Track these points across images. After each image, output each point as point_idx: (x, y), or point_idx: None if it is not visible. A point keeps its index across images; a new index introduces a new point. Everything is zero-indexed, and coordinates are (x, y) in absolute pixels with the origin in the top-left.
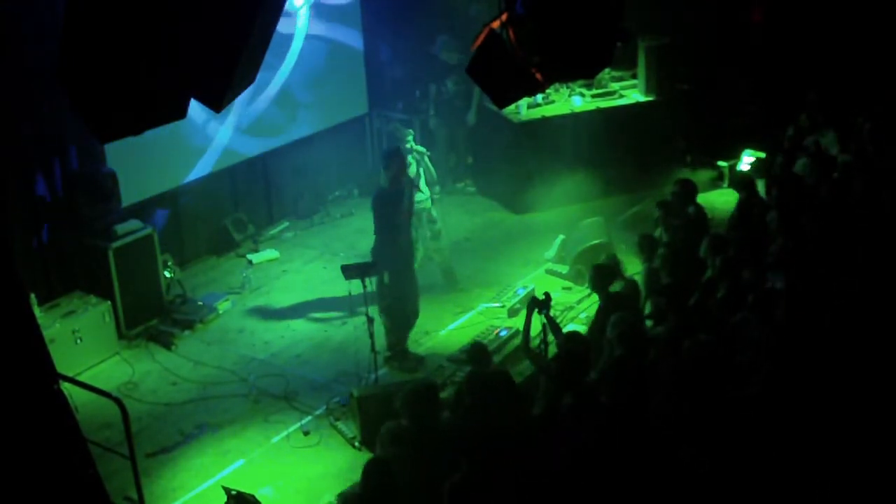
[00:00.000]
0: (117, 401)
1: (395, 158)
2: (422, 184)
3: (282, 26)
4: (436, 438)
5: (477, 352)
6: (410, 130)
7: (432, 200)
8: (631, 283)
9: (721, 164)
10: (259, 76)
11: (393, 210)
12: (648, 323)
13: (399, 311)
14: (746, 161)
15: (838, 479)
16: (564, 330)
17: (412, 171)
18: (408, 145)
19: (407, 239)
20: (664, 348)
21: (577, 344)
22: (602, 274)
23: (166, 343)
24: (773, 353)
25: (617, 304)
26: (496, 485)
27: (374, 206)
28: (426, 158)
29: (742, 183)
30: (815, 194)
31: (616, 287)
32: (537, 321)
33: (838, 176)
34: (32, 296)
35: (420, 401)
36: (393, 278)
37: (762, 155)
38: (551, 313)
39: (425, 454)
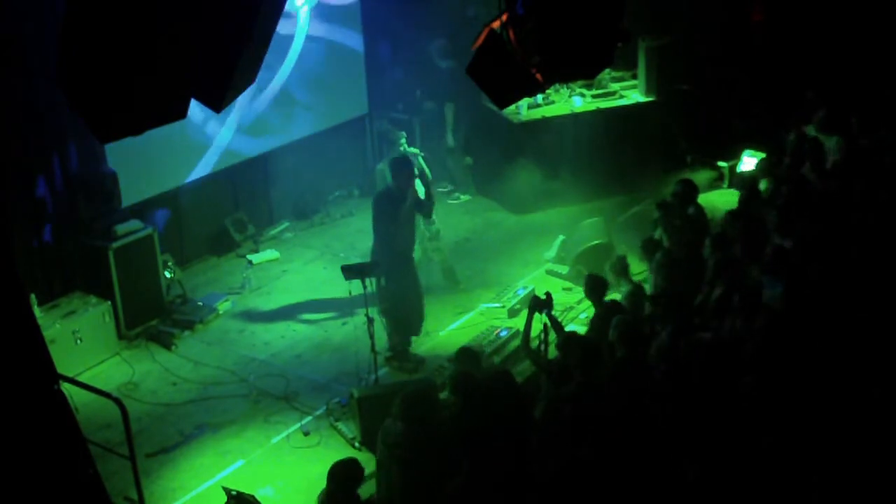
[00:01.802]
0: (117, 401)
1: (404, 167)
2: (417, 184)
3: (282, 27)
4: (432, 440)
5: (465, 357)
6: (403, 133)
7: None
8: (636, 287)
9: (721, 164)
10: (259, 76)
11: (393, 210)
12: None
13: (398, 313)
14: (747, 161)
15: (837, 479)
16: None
17: None
18: (401, 147)
19: (406, 242)
20: (665, 349)
21: (575, 346)
22: (595, 284)
23: (166, 343)
24: (769, 353)
25: (613, 312)
26: (496, 487)
27: (374, 203)
28: (420, 159)
29: (744, 182)
30: (815, 195)
31: (623, 289)
32: (538, 321)
33: (838, 177)
34: (32, 296)
35: (415, 404)
36: (390, 281)
37: (762, 155)
38: (552, 313)
39: (421, 456)
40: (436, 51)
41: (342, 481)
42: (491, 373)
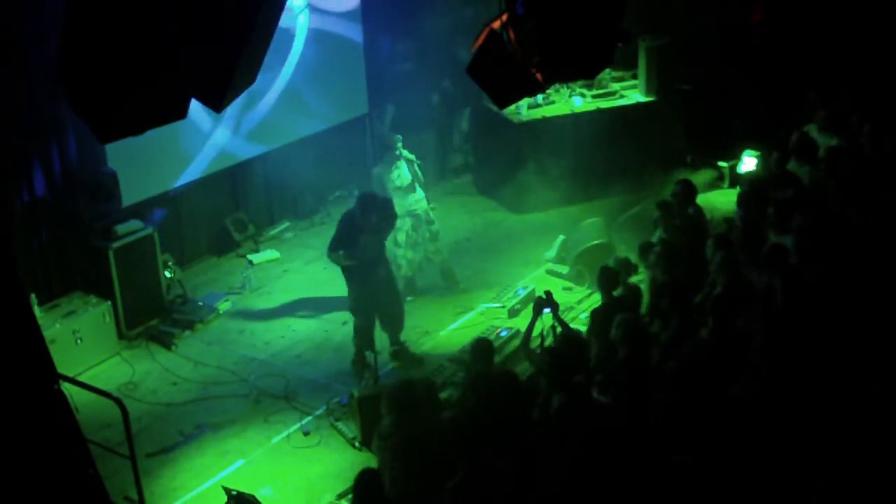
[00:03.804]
0: (117, 401)
1: (368, 207)
2: (416, 186)
3: (282, 26)
4: (429, 439)
5: (480, 349)
6: (399, 136)
7: (428, 201)
8: (633, 288)
9: (721, 164)
10: (260, 76)
11: (351, 238)
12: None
13: (358, 319)
14: (747, 161)
15: (836, 480)
16: None
17: (403, 176)
18: (396, 152)
19: (372, 252)
20: (667, 349)
21: (569, 346)
22: (607, 277)
23: (166, 343)
24: (770, 353)
25: (619, 307)
26: (494, 488)
27: (338, 223)
28: (416, 166)
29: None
30: (814, 194)
31: (618, 292)
32: (539, 322)
33: (837, 176)
34: (32, 296)
35: (397, 396)
36: (351, 287)
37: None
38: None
39: (415, 454)
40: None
41: (368, 487)
42: (497, 371)
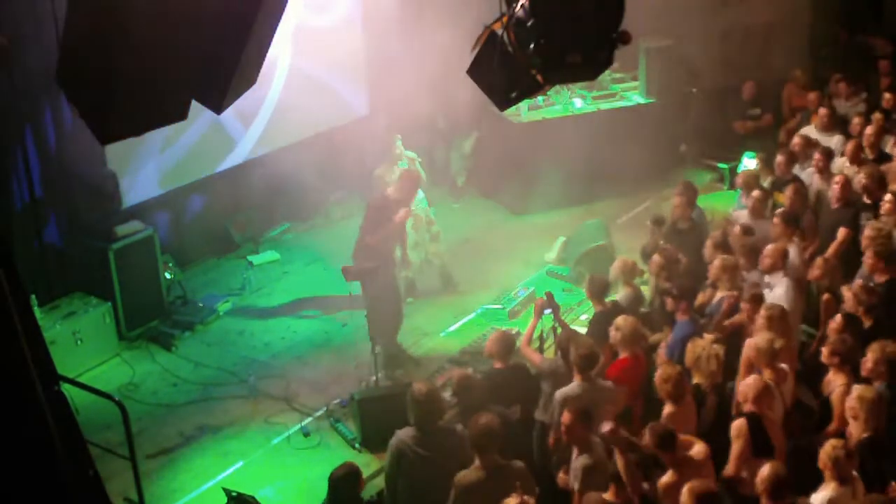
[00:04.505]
0: (118, 402)
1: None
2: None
3: (283, 27)
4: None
5: (503, 340)
6: (398, 135)
7: (429, 202)
8: (634, 291)
9: (721, 165)
10: (261, 77)
11: (385, 219)
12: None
13: (377, 315)
14: (747, 163)
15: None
16: None
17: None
18: (396, 151)
19: (390, 249)
20: (670, 350)
21: (573, 347)
22: (597, 285)
23: (167, 344)
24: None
25: (614, 313)
26: (505, 485)
27: (368, 208)
28: (417, 164)
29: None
30: (817, 195)
31: (621, 292)
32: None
33: (840, 177)
34: (33, 296)
35: (425, 404)
36: (367, 285)
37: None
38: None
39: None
40: None
41: (345, 482)
42: (510, 365)
